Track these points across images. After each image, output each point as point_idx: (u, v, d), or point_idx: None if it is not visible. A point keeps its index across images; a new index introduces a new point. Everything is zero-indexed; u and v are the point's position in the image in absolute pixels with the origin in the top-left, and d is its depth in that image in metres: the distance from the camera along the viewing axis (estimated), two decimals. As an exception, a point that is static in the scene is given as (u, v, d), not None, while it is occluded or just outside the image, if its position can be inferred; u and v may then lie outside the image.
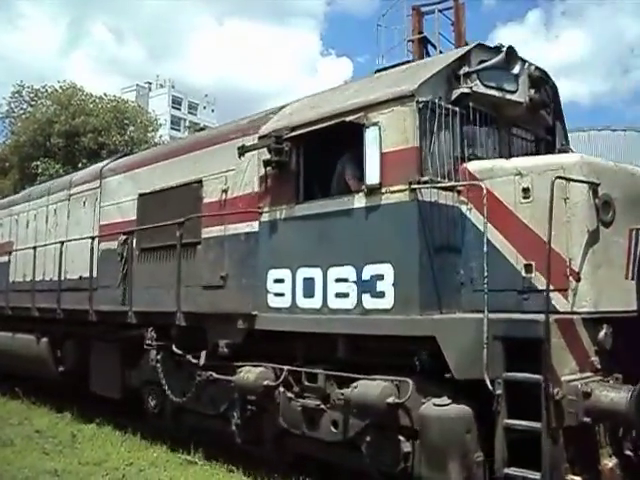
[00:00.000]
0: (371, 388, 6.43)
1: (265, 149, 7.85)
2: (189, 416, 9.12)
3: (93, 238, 11.08)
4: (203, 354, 8.29)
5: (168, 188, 9.87)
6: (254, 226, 8.35)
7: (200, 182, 9.37)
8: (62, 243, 11.86)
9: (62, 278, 11.63)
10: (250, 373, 7.68)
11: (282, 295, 7.60)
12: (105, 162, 11.93)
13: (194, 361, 8.56)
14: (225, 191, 8.92)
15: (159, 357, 9.03)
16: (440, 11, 23.15)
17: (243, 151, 8.06)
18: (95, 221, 11.42)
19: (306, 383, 7.37)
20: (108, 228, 11.03)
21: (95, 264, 11.08)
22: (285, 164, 7.64)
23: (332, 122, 7.23)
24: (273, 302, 7.69)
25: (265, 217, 7.93)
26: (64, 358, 11.75)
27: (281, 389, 7.62)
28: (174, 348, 8.81)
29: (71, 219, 12.25)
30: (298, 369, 7.46)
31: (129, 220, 10.62)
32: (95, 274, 11.10)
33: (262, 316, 7.76)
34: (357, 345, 7.10)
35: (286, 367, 7.56)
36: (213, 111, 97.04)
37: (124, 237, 10.51)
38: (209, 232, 9.05)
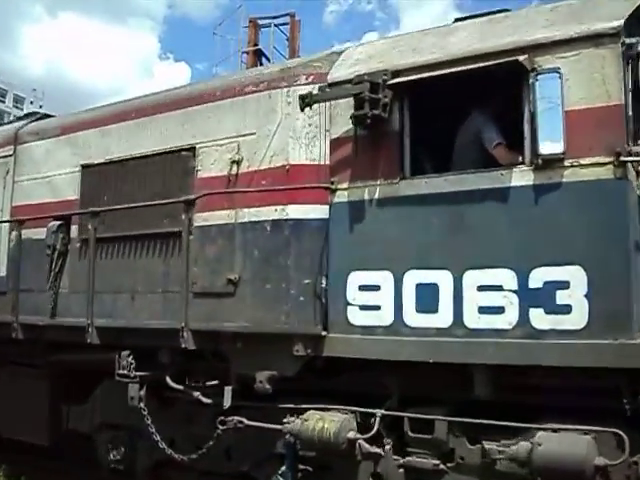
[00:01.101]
0: (571, 445, 4.22)
1: (346, 101, 5.39)
2: (182, 475, 6.28)
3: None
4: (228, 392, 5.62)
5: (135, 157, 7.21)
6: (317, 211, 6.03)
7: (192, 150, 6.86)
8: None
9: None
10: (325, 421, 5.18)
11: (376, 308, 5.26)
12: (20, 123, 8.75)
13: (205, 400, 5.80)
14: (237, 163, 6.32)
15: (142, 394, 6.12)
16: (276, 26, 23.39)
17: (308, 103, 5.52)
18: (5, 201, 8.19)
19: (411, 434, 4.96)
20: (27, 210, 7.92)
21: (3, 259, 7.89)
22: (383, 123, 5.30)
23: (469, 66, 4.98)
24: (358, 318, 5.35)
25: (341, 197, 5.49)
26: None
27: (363, 442, 5.11)
28: (170, 382, 6.00)
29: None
30: (401, 414, 5.04)
31: (64, 200, 7.80)
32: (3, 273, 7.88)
33: (337, 338, 5.26)
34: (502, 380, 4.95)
35: (379, 411, 5.10)
36: (41, 106, 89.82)
37: (57, 223, 7.45)
38: (206, 218, 6.39)
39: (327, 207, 6.07)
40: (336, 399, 5.63)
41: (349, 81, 5.54)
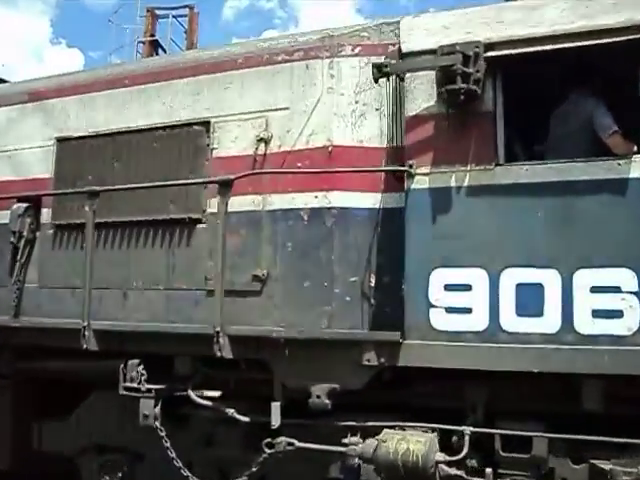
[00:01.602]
0: None
1: (424, 74, 4.74)
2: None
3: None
4: (276, 409, 4.71)
5: (129, 131, 6.18)
6: (365, 198, 5.35)
7: (206, 124, 5.91)
8: None
9: None
10: (409, 442, 4.38)
11: (466, 311, 4.47)
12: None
13: (242, 419, 4.88)
14: (265, 141, 5.40)
15: (157, 411, 5.08)
16: (174, 17, 23.03)
17: (387, 73, 4.76)
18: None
19: (503, 453, 4.44)
20: None
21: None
22: (475, 100, 4.59)
23: (582, 43, 4.32)
24: (443, 322, 4.54)
25: (420, 183, 4.68)
26: None
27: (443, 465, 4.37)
28: (193, 396, 5.02)
29: None
30: (494, 431, 4.37)
31: (32, 179, 6.60)
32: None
33: (418, 345, 4.48)
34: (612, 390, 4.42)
35: (468, 428, 4.39)
36: None
37: (23, 206, 6.26)
38: (231, 203, 5.45)
39: (377, 195, 5.26)
40: (400, 414, 4.79)
41: (430, 52, 4.74)
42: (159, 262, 5.86)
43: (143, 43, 22.40)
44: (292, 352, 4.90)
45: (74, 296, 6.21)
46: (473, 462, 4.59)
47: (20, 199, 6.47)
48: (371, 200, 5.32)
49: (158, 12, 23.43)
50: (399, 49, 4.98)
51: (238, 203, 5.56)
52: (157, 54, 21.26)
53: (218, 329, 4.89)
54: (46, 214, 6.46)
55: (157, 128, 6.04)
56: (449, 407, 4.79)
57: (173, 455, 5.10)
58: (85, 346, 5.39)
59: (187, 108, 5.95)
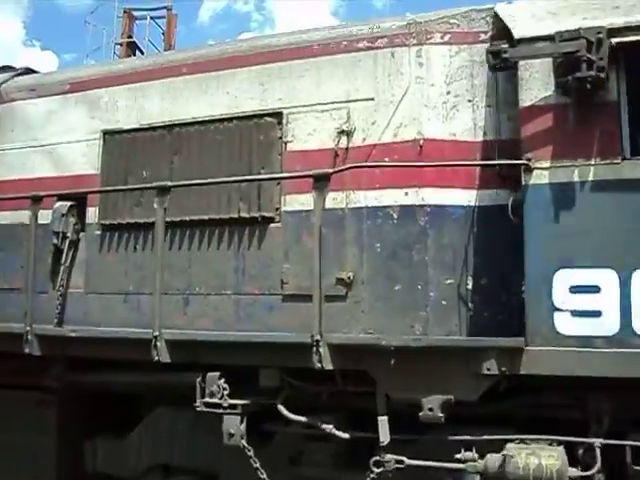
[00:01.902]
0: None
1: (539, 62, 4.50)
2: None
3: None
4: (384, 424, 4.29)
5: (188, 123, 5.75)
6: (461, 195, 4.99)
7: (278, 116, 5.48)
8: None
9: None
10: (540, 457, 4.02)
11: (594, 314, 4.13)
12: (3, 76, 6.83)
13: (343, 435, 4.46)
14: (348, 134, 4.97)
15: (243, 428, 4.63)
16: (152, 18, 22.81)
17: (505, 60, 4.35)
18: (-17, 175, 6.38)
19: (636, 467, 4.15)
20: (14, 188, 6.09)
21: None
22: (598, 90, 4.30)
23: None
24: (569, 327, 4.18)
25: (540, 178, 4.32)
26: None
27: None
28: (284, 411, 4.59)
29: None
30: (627, 443, 4.13)
31: (75, 175, 6.01)
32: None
33: (543, 352, 4.11)
34: None
35: (598, 440, 4.20)
36: None
37: (67, 204, 5.75)
38: (302, 202, 5.27)
39: (472, 191, 4.90)
40: (515, 427, 4.41)
41: (546, 38, 4.38)
42: (226, 265, 5.41)
43: (120, 45, 21.99)
44: (399, 361, 4.45)
45: (126, 302, 5.73)
46: (600, 477, 4.20)
47: (64, 197, 5.87)
48: (466, 197, 4.97)
49: (135, 13, 23.02)
50: (510, 35, 4.57)
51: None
52: (134, 56, 20.78)
53: (318, 338, 4.41)
54: (92, 213, 5.97)
55: (221, 120, 5.62)
56: (568, 418, 4.40)
57: (264, 476, 4.62)
58: (157, 358, 4.87)
59: (255, 98, 5.54)
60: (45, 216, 6.10)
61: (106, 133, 6.02)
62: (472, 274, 4.89)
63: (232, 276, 5.41)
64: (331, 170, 4.69)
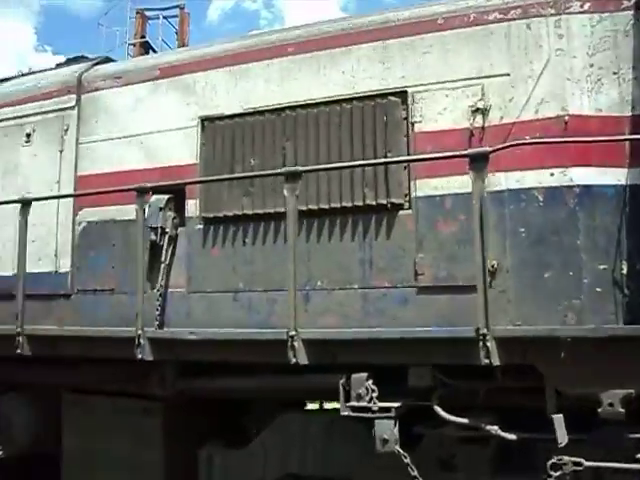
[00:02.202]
0: None
1: None
2: None
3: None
4: (560, 422, 3.94)
5: (298, 106, 5.49)
6: (612, 174, 4.66)
7: (402, 95, 5.18)
8: None
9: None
10: None
11: None
12: (80, 66, 6.47)
13: (507, 436, 4.14)
14: (483, 112, 4.68)
15: (396, 432, 4.28)
16: (165, 18, 22.85)
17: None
18: (64, 169, 5.92)
19: None
20: (102, 182, 5.74)
21: (76, 249, 5.73)
22: None
23: None
24: None
25: None
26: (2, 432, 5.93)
27: None
28: (442, 412, 4.24)
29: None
30: None
31: (171, 167, 5.71)
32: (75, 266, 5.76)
33: None
34: None
35: None
36: None
37: (164, 198, 5.38)
38: (435, 186, 4.88)
39: (623, 170, 4.64)
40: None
41: None
42: (351, 257, 5.08)
43: (133, 45, 21.87)
44: (571, 353, 4.10)
45: (236, 301, 5.35)
46: None
47: (160, 190, 5.50)
48: (616, 176, 4.65)
49: (147, 13, 23.10)
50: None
51: (453, 184, 4.81)
52: (147, 55, 20.75)
53: (485, 331, 4.07)
54: (193, 206, 5.63)
55: (337, 101, 5.28)
56: None
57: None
58: (294, 360, 4.50)
59: (374, 77, 5.25)
60: (134, 211, 5.71)
61: (204, 120, 5.69)
62: (626, 258, 4.58)
63: (358, 269, 5.10)
64: (490, 148, 4.32)
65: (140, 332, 5.09)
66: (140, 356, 5.10)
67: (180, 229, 5.75)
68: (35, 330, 5.69)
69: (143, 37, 21.90)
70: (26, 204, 5.71)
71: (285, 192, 4.78)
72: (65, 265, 6.16)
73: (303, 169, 4.85)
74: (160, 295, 5.68)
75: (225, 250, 5.55)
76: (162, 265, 5.62)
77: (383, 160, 4.97)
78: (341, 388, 4.63)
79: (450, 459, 4.68)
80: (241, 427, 5.82)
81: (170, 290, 5.68)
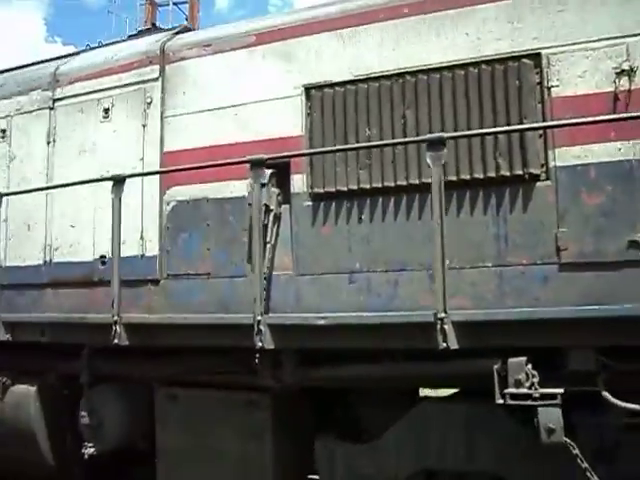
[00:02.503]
0: None
1: None
2: None
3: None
4: None
5: (415, 71, 5.13)
6: None
7: (536, 58, 4.84)
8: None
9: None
10: None
11: None
12: (161, 35, 6.07)
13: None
14: (628, 73, 4.36)
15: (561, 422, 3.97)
16: (175, 4, 22.92)
17: None
18: (148, 145, 5.54)
19: None
20: (191, 158, 5.35)
21: (165, 230, 5.45)
22: None
23: None
24: None
25: None
26: (93, 427, 5.54)
27: None
28: (612, 399, 3.95)
29: (59, 144, 6.19)
30: None
31: (272, 139, 5.43)
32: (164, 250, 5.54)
33: None
34: None
35: None
36: None
37: (267, 172, 5.08)
38: (577, 154, 4.65)
39: None
40: None
41: None
42: (483, 232, 4.72)
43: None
44: None
45: (352, 283, 4.99)
46: None
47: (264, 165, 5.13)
48: None
49: (157, 0, 23.24)
50: None
51: (599, 152, 4.48)
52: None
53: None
54: (299, 182, 5.25)
55: (461, 65, 4.95)
56: None
57: (595, 478, 3.92)
58: (444, 344, 4.15)
59: (503, 39, 4.91)
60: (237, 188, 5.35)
61: (309, 88, 5.34)
62: None
63: (492, 245, 4.73)
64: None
65: (260, 318, 4.72)
66: (260, 344, 4.74)
67: (284, 206, 5.36)
68: (132, 318, 5.30)
69: (153, 24, 21.65)
70: (119, 182, 5.29)
71: (429, 161, 4.43)
72: (152, 248, 5.80)
73: (448, 135, 4.53)
74: (265, 278, 5.29)
75: (338, 228, 5.21)
76: (268, 246, 5.23)
77: (522, 127, 4.65)
78: (495, 374, 4.28)
79: (613, 449, 4.33)
80: (351, 419, 5.44)
81: (275, 273, 5.29)
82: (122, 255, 5.68)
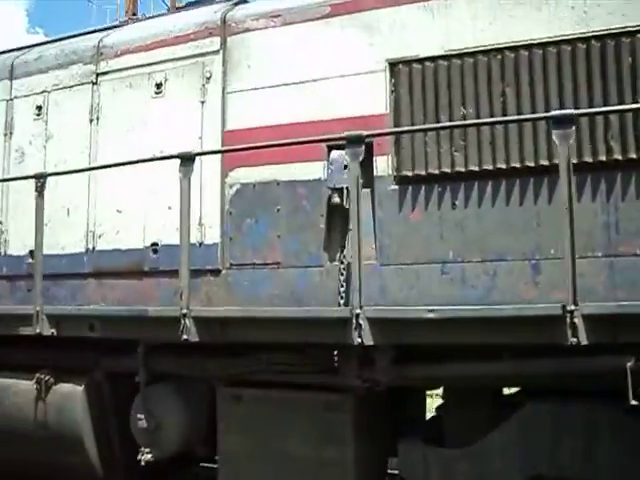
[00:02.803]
0: None
1: None
2: None
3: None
4: None
5: (521, 46, 4.75)
6: None
7: (651, 33, 4.65)
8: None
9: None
10: None
11: None
12: (223, 4, 5.64)
13: None
14: None
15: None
16: None
17: None
18: (207, 123, 5.12)
19: None
20: (257, 137, 4.95)
21: (227, 216, 5.26)
22: None
23: None
24: None
25: None
26: (150, 431, 5.10)
27: None
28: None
29: (104, 122, 5.68)
30: None
31: (354, 117, 5.10)
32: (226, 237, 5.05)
33: None
34: None
35: None
36: None
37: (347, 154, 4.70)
38: None
39: None
40: None
41: None
42: (591, 220, 4.39)
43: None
44: None
45: (445, 273, 4.65)
46: None
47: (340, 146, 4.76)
48: None
49: None
50: None
51: None
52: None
53: None
54: (384, 164, 4.91)
55: (567, 41, 4.64)
56: None
57: None
58: (573, 340, 3.81)
59: (614, 13, 4.68)
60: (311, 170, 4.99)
61: (394, 63, 4.95)
62: None
63: (601, 233, 4.44)
64: None
65: (359, 311, 4.31)
66: (359, 340, 4.33)
67: (364, 190, 4.97)
68: (203, 311, 4.86)
69: (134, 14, 21.18)
70: (188, 160, 4.84)
71: (555, 140, 4.09)
72: (213, 235, 5.40)
73: (577, 112, 4.20)
74: (344, 268, 4.90)
75: (429, 214, 4.88)
76: (348, 233, 4.84)
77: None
78: (629, 372, 3.94)
79: None
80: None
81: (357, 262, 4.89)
82: (178, 243, 5.26)
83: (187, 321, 4.81)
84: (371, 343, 4.43)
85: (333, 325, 4.55)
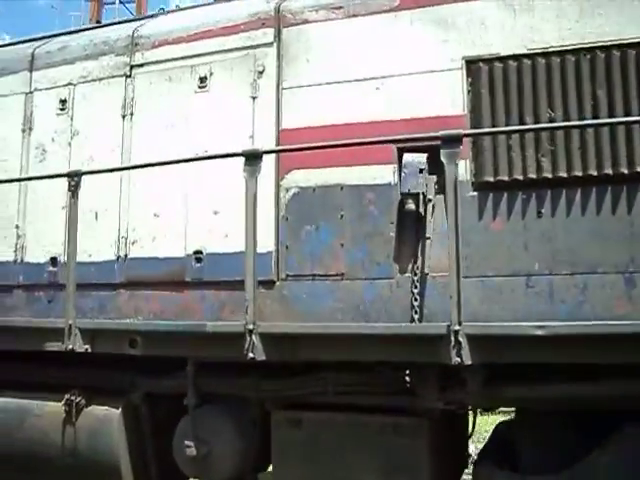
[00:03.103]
0: None
1: None
2: None
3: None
4: None
5: (613, 46, 4.51)
6: None
7: None
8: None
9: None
10: None
11: None
12: (266, -4, 5.33)
13: None
14: None
15: None
16: (122, 2, 22.42)
17: None
18: (260, 121, 4.95)
19: None
20: (314, 136, 4.60)
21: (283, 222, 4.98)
22: None
23: None
24: None
25: None
26: (199, 459, 4.69)
27: None
28: None
29: (139, 118, 5.33)
30: None
31: (425, 118, 4.85)
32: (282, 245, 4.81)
33: None
34: None
35: None
36: None
37: (422, 158, 4.62)
38: None
39: None
40: None
41: None
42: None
43: (89, 31, 21.35)
44: None
45: (530, 287, 4.37)
46: None
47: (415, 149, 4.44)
48: None
49: None
50: None
51: None
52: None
53: None
54: (461, 168, 4.56)
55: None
56: None
57: None
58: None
59: None
60: (374, 173, 4.66)
61: (472, 61, 4.66)
62: None
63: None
64: None
65: (458, 328, 3.95)
66: (458, 360, 3.95)
67: (438, 197, 4.63)
68: (273, 327, 4.42)
69: (98, 22, 20.88)
70: (255, 158, 4.42)
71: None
72: (266, 244, 4.95)
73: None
74: (418, 281, 4.55)
75: (512, 223, 4.61)
76: (424, 242, 4.50)
77: None
78: None
79: None
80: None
81: (432, 274, 4.56)
82: (223, 251, 4.85)
83: (254, 338, 4.37)
84: (468, 362, 4.07)
85: (422, 343, 4.19)
